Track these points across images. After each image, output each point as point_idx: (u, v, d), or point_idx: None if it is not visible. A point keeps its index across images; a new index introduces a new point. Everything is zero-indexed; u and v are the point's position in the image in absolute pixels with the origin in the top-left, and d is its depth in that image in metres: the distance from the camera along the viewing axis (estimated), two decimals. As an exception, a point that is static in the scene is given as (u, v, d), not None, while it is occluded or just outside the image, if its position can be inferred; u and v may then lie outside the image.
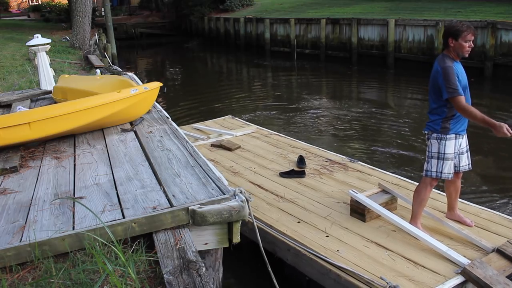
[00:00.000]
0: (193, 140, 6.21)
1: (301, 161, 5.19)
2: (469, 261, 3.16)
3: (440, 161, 3.48)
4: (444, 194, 4.30)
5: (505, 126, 3.12)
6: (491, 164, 6.56)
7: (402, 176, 4.95)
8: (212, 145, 6.01)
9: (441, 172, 3.49)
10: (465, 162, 3.62)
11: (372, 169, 5.02)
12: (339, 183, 4.67)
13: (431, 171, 3.53)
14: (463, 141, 3.55)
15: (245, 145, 5.99)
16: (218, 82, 15.52)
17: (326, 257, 3.40)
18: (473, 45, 3.34)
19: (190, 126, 7.09)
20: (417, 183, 4.46)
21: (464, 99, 3.27)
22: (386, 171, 5.09)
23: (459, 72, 3.34)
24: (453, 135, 3.44)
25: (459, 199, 4.13)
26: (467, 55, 3.37)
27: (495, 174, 6.30)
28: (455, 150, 3.47)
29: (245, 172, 5.10)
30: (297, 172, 4.94)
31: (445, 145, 3.45)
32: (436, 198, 4.23)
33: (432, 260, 3.31)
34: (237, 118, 7.45)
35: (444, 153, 3.46)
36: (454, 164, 3.55)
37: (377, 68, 14.28)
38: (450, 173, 3.51)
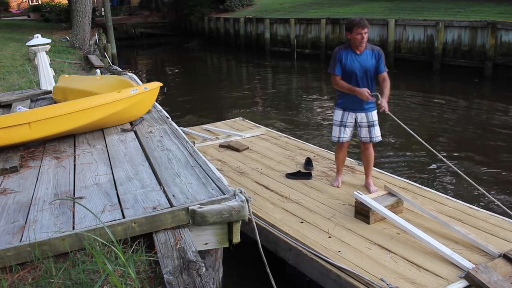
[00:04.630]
0: (201, 140, 6.23)
1: (308, 163, 5.17)
2: (474, 266, 3.10)
3: (332, 126, 4.50)
4: (452, 198, 4.33)
5: (365, 91, 4.04)
6: (503, 169, 6.51)
7: (409, 179, 4.91)
8: (221, 146, 6.03)
9: (331, 135, 4.53)
10: (365, 135, 4.38)
11: (380, 172, 4.97)
12: (345, 186, 4.64)
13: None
14: (360, 117, 4.33)
15: (253, 146, 5.98)
16: (219, 82, 15.51)
17: (327, 257, 3.39)
18: (365, 37, 4.06)
19: (200, 127, 7.09)
20: (425, 188, 4.57)
21: (335, 77, 4.22)
22: (394, 174, 5.04)
23: (349, 59, 4.16)
24: (341, 109, 4.38)
25: (466, 204, 4.17)
26: (361, 45, 4.12)
27: (507, 178, 6.22)
28: (341, 119, 4.38)
29: (251, 173, 5.10)
30: (303, 173, 4.93)
31: (334, 113, 4.48)
32: (443, 202, 4.19)
33: (435, 263, 3.27)
34: (247, 120, 7.42)
35: (333, 119, 4.48)
36: (358, 134, 4.43)
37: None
38: (336, 137, 4.46)
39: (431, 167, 6.50)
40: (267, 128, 6.88)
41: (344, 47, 4.26)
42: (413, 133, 4.10)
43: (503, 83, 11.55)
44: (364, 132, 4.38)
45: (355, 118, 4.36)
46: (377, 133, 4.38)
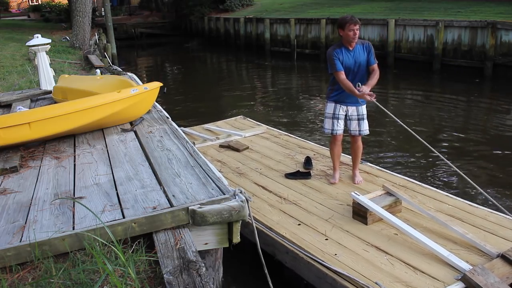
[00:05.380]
0: (202, 140, 6.22)
1: (307, 162, 5.16)
2: (471, 267, 3.07)
3: (324, 118, 4.67)
4: (452, 196, 4.31)
5: (365, 94, 4.19)
6: (504, 167, 6.50)
7: (409, 177, 4.89)
8: (221, 146, 6.02)
9: (324, 127, 4.68)
10: (354, 128, 4.57)
11: (380, 170, 4.95)
12: (345, 185, 4.62)
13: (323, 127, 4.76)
14: (351, 110, 4.52)
15: (253, 145, 5.97)
16: (219, 82, 15.51)
17: (323, 261, 3.36)
18: (357, 33, 4.22)
19: (200, 127, 7.07)
20: (425, 185, 4.57)
21: (341, 74, 4.29)
22: (394, 172, 5.02)
23: (344, 56, 4.31)
24: (333, 102, 4.55)
25: (466, 202, 4.16)
26: (354, 41, 4.27)
27: (507, 177, 6.21)
28: (334, 112, 4.55)
29: (250, 173, 5.09)
30: (302, 173, 4.91)
31: (327, 106, 4.64)
32: (443, 200, 4.17)
33: (432, 265, 3.24)
34: (248, 119, 7.40)
35: (325, 112, 4.65)
36: (348, 127, 4.59)
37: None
38: (329, 129, 4.61)
39: (431, 164, 6.50)
40: (267, 127, 6.87)
41: (337, 46, 4.39)
42: (398, 120, 4.19)
43: (503, 83, 11.54)
44: (353, 125, 4.57)
45: (346, 111, 4.55)
46: (365, 127, 4.59)
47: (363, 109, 4.54)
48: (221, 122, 7.31)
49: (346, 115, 4.56)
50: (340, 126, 4.59)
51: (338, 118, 4.57)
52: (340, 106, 4.54)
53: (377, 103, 4.28)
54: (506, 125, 8.64)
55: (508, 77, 11.53)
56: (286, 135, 6.44)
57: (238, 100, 11.90)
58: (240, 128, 6.78)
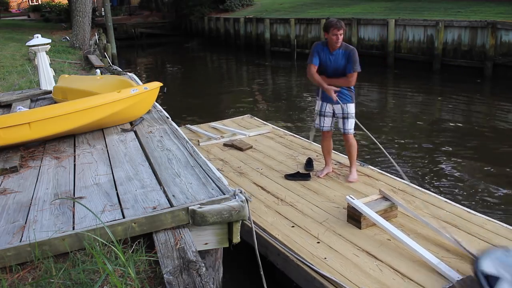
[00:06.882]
0: (206, 139, 6.23)
1: (308, 163, 5.15)
2: (460, 276, 3.01)
3: (315, 114, 4.88)
4: (450, 202, 4.25)
5: (332, 89, 4.45)
6: (504, 167, 6.49)
7: (409, 181, 4.85)
8: (225, 145, 6.03)
9: (315, 123, 4.89)
10: (340, 126, 4.69)
11: (381, 173, 4.92)
12: (343, 188, 4.59)
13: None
14: (337, 109, 4.63)
15: (257, 145, 5.97)
16: (220, 82, 15.50)
17: (312, 265, 3.34)
18: (340, 38, 4.37)
19: (207, 125, 7.07)
20: (426, 190, 4.52)
21: (311, 67, 4.48)
22: (394, 176, 4.97)
23: (324, 55, 4.48)
24: (321, 99, 4.70)
25: (464, 208, 4.10)
26: (335, 45, 4.41)
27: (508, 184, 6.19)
28: (321, 109, 4.73)
29: (251, 173, 5.08)
30: (302, 174, 4.91)
31: (316, 103, 4.83)
32: (441, 206, 4.11)
33: (421, 272, 3.18)
34: (255, 118, 7.39)
35: (315, 109, 4.85)
36: (339, 126, 4.70)
37: (377, 68, 14.28)
38: (317, 125, 4.83)
39: (432, 168, 6.50)
40: (273, 126, 6.85)
41: (322, 43, 4.56)
42: (360, 124, 4.35)
43: (503, 83, 11.54)
44: (340, 123, 4.70)
45: (332, 109, 4.67)
46: (350, 126, 4.63)
47: (349, 107, 4.59)
48: (228, 120, 7.30)
49: (334, 113, 4.69)
50: (327, 123, 4.74)
51: (324, 116, 4.72)
52: (327, 104, 4.68)
53: (340, 103, 4.48)
54: (506, 124, 8.65)
55: (508, 77, 11.53)
56: (291, 135, 6.42)
57: (238, 100, 11.91)
58: (247, 127, 6.78)
